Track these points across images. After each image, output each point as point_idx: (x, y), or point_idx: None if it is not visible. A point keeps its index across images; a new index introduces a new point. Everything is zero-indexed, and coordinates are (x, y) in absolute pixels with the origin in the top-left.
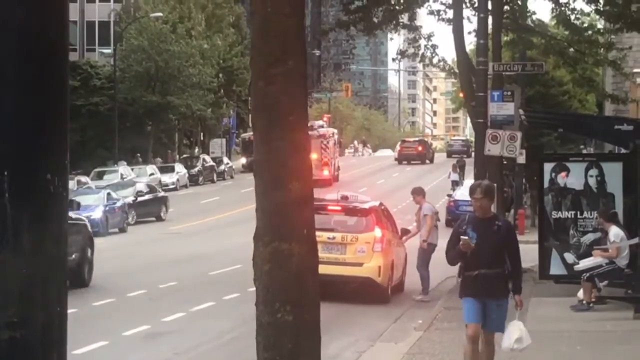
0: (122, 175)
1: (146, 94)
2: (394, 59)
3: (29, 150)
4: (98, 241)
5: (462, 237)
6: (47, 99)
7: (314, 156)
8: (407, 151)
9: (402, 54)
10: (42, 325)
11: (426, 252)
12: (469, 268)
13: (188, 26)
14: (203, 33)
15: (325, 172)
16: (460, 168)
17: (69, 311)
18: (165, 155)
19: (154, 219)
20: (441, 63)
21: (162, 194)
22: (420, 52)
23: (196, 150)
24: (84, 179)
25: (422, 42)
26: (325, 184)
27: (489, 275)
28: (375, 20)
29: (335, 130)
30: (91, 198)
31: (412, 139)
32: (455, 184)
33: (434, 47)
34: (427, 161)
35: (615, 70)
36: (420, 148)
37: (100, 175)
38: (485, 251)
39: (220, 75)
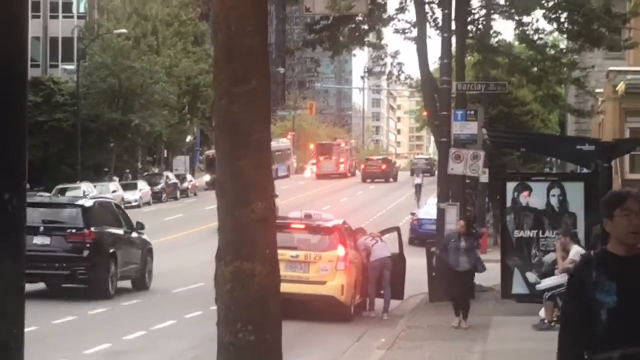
0: (84, 192)
1: (109, 111)
2: (362, 77)
3: None
4: None
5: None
6: (4, 120)
7: (333, 158)
8: (371, 169)
9: (369, 72)
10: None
11: (371, 271)
12: (606, 345)
13: (152, 42)
14: (167, 50)
15: (342, 167)
16: (423, 172)
17: (29, 329)
18: (127, 172)
19: None
20: (408, 80)
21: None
22: (387, 70)
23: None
24: (46, 195)
25: (388, 60)
26: (342, 176)
27: None
28: (341, 38)
29: (353, 141)
30: None
31: (376, 157)
32: (419, 188)
33: (400, 64)
34: (391, 179)
35: (578, 88)
36: (384, 166)
37: (62, 192)
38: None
39: (185, 94)
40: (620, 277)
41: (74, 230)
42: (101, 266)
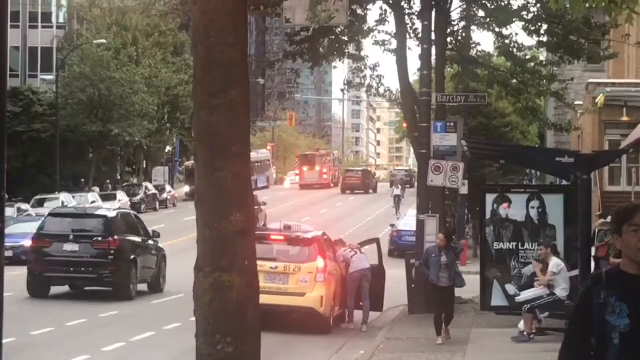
0: (63, 202)
1: (88, 121)
2: (342, 90)
3: None
4: None
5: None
6: None
7: (317, 168)
8: (351, 181)
9: (349, 84)
10: None
11: (350, 282)
12: None
13: (132, 52)
14: (147, 60)
15: (325, 177)
16: (401, 184)
17: (6, 341)
18: (106, 183)
19: None
20: (387, 93)
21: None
22: (367, 83)
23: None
24: (24, 206)
25: (368, 72)
26: (325, 187)
27: None
28: (321, 50)
29: (336, 152)
30: (30, 226)
31: (355, 169)
32: (398, 199)
33: (380, 77)
34: (371, 191)
35: (558, 100)
36: (364, 178)
37: (40, 203)
38: None
39: (165, 104)
40: (631, 298)
41: (100, 238)
42: (124, 271)
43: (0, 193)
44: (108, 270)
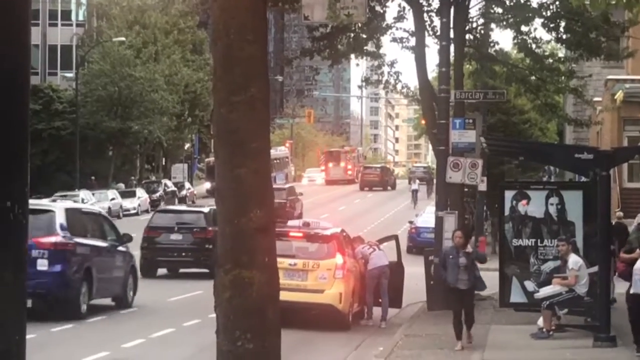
0: (83, 200)
1: (107, 119)
2: (359, 86)
3: None
4: None
5: None
6: (7, 127)
7: (342, 165)
8: (370, 177)
9: (366, 81)
10: (1, 353)
11: (369, 279)
12: None
13: (152, 51)
14: (167, 58)
15: (350, 173)
16: (420, 180)
17: (27, 337)
18: (130, 179)
19: None
20: (404, 90)
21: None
22: (384, 79)
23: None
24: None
25: (386, 69)
26: (350, 182)
27: None
28: (340, 47)
29: (360, 149)
30: None
31: (374, 166)
32: (416, 193)
33: (398, 73)
34: (389, 187)
35: (576, 97)
36: (382, 175)
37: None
38: None
39: (184, 102)
40: None
41: (198, 229)
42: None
43: (25, 190)
44: (205, 255)
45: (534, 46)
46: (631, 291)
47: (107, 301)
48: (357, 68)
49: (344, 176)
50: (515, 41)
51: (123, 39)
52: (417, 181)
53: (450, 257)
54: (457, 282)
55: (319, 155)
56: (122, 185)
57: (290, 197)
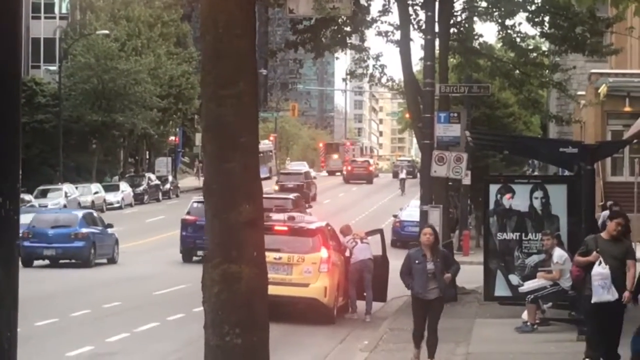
0: (66, 193)
1: (91, 112)
2: (343, 79)
3: None
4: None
5: None
6: None
7: (340, 156)
8: (357, 171)
9: (351, 74)
10: None
11: (351, 273)
12: None
13: (136, 44)
14: (151, 51)
15: (349, 167)
16: (406, 172)
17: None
18: (129, 172)
19: None
20: (389, 83)
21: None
22: (369, 72)
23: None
24: (27, 197)
25: (370, 62)
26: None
27: None
28: (324, 40)
29: (359, 142)
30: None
31: (359, 159)
32: (404, 182)
33: (383, 67)
34: (373, 181)
35: (560, 91)
36: (369, 168)
37: (44, 194)
38: None
39: (167, 96)
40: None
41: None
42: None
43: (17, 186)
44: None
45: (518, 40)
46: (593, 300)
47: (94, 300)
48: (342, 62)
49: (342, 167)
50: (500, 35)
51: (106, 31)
52: (404, 170)
53: (417, 262)
54: (426, 292)
55: (320, 149)
56: (116, 179)
57: (307, 180)
